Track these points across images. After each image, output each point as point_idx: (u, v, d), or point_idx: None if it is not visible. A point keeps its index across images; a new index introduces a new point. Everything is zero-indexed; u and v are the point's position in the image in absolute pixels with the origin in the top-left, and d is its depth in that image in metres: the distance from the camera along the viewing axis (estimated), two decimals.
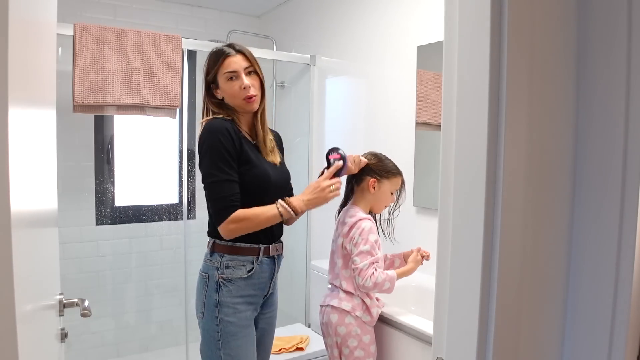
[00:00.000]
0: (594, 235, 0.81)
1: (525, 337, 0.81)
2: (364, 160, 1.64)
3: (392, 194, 1.68)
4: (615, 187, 0.77)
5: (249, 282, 1.46)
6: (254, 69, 1.50)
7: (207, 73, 1.51)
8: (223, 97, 1.51)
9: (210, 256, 1.48)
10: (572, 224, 0.84)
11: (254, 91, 1.47)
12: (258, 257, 1.47)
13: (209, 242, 1.51)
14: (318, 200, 1.51)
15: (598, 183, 0.80)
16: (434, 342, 0.88)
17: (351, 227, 1.60)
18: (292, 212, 1.45)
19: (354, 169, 1.62)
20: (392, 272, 1.59)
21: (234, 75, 1.46)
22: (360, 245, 1.57)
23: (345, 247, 1.61)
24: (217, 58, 1.48)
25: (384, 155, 1.70)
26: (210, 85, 1.51)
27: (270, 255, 1.51)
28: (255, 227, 1.43)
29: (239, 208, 1.40)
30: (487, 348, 0.76)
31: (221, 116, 1.48)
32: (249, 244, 1.46)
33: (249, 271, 1.46)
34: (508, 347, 0.79)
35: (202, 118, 1.52)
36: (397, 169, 1.69)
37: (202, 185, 1.43)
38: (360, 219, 1.60)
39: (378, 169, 1.65)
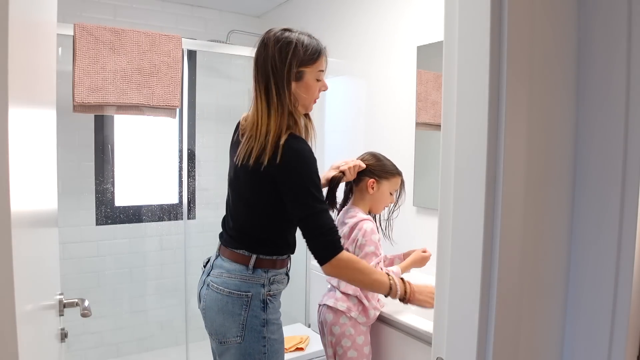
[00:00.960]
0: (594, 235, 0.81)
1: (525, 337, 0.81)
2: (362, 165, 1.64)
3: (391, 194, 1.68)
4: (615, 187, 0.77)
5: (281, 294, 1.43)
6: None
7: (299, 63, 1.31)
8: (288, 94, 1.32)
9: (253, 273, 1.34)
10: (572, 224, 0.84)
11: None
12: (289, 268, 1.44)
13: (244, 257, 1.35)
14: (425, 304, 1.43)
15: (598, 183, 0.80)
16: (434, 342, 0.88)
17: (352, 229, 1.60)
18: (399, 295, 1.39)
19: (351, 177, 1.64)
20: (396, 268, 1.60)
21: (321, 77, 1.38)
22: (365, 247, 1.56)
23: (347, 248, 1.60)
24: (318, 52, 1.34)
25: (383, 155, 1.69)
26: (289, 76, 1.31)
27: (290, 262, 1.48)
28: (360, 283, 1.38)
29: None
30: (487, 348, 0.76)
31: (295, 133, 1.32)
32: (285, 256, 1.41)
33: (287, 283, 1.43)
34: (508, 347, 0.79)
35: (260, 105, 1.32)
36: (396, 168, 1.68)
37: (299, 215, 1.29)
38: (361, 220, 1.60)
39: (377, 169, 1.65)
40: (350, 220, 1.62)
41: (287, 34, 1.32)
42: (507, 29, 0.73)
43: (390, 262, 1.79)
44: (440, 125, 0.85)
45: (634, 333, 0.77)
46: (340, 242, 1.30)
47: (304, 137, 1.38)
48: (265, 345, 1.32)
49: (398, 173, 1.67)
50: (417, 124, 2.03)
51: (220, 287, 1.33)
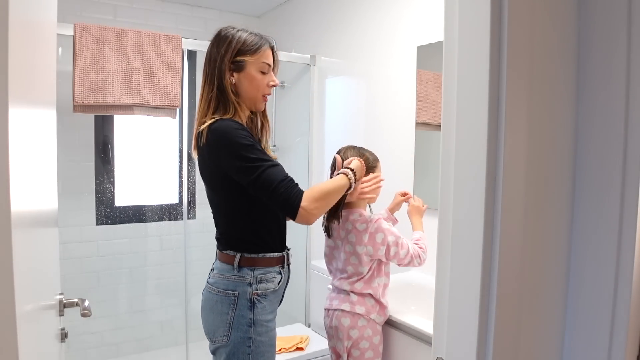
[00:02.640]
0: (594, 235, 0.81)
1: (525, 336, 0.81)
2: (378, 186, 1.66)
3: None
4: (615, 187, 0.77)
5: (276, 295, 1.39)
6: (273, 69, 1.44)
7: (238, 52, 1.34)
8: (233, 84, 1.35)
9: (238, 271, 1.33)
10: (572, 224, 0.84)
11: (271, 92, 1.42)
12: (283, 266, 1.41)
13: (229, 257, 1.36)
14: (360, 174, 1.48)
15: (598, 183, 0.80)
16: (434, 342, 0.88)
17: (372, 233, 1.59)
18: (353, 180, 1.41)
19: (376, 198, 1.68)
20: (418, 234, 1.70)
21: (266, 69, 1.38)
22: (398, 241, 1.60)
23: (371, 255, 1.60)
24: (259, 43, 1.36)
25: (359, 147, 1.71)
26: (231, 65, 1.35)
27: (289, 262, 1.45)
28: (333, 201, 1.37)
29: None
30: (487, 348, 0.76)
31: (225, 117, 1.33)
32: (276, 254, 1.38)
33: (279, 282, 1.38)
34: (508, 347, 0.79)
35: (202, 97, 1.36)
36: (374, 154, 1.72)
37: (247, 183, 1.27)
38: (375, 220, 1.60)
39: (367, 164, 1.66)
40: (362, 226, 1.60)
41: (228, 29, 1.38)
42: (507, 29, 0.73)
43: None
44: (440, 125, 0.85)
45: (634, 333, 0.77)
46: (297, 188, 1.28)
47: (257, 135, 1.45)
48: (250, 346, 1.31)
49: (377, 158, 1.71)
50: (417, 124, 2.03)
51: (212, 287, 1.37)
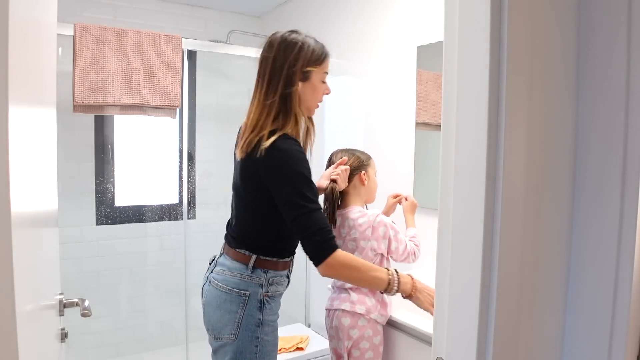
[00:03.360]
0: (594, 235, 0.81)
1: (525, 337, 0.81)
2: (348, 169, 1.65)
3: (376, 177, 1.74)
4: (615, 187, 0.77)
5: (282, 297, 1.43)
6: None
7: (308, 62, 1.33)
8: (293, 94, 1.32)
9: (252, 272, 1.34)
10: (572, 224, 0.84)
11: None
12: (290, 270, 1.44)
13: (244, 256, 1.35)
14: (423, 304, 1.37)
15: (598, 183, 0.80)
16: (434, 342, 0.88)
17: (374, 227, 1.61)
18: (395, 290, 1.33)
19: (343, 185, 1.65)
20: (412, 231, 1.71)
21: (325, 79, 1.40)
22: (397, 235, 1.62)
23: (375, 249, 1.61)
24: (325, 54, 1.37)
25: (350, 148, 1.74)
26: (295, 76, 1.32)
27: (292, 267, 1.47)
28: (355, 280, 1.35)
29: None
30: (487, 348, 0.76)
31: (287, 133, 1.30)
32: (287, 258, 1.40)
33: (286, 285, 1.43)
34: (508, 347, 0.79)
35: (259, 101, 1.32)
36: (366, 153, 1.74)
37: (290, 216, 1.26)
38: (376, 215, 1.62)
39: (359, 163, 1.69)
40: (364, 220, 1.61)
41: (294, 35, 1.34)
42: (507, 29, 0.73)
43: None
44: (440, 125, 0.85)
45: (634, 333, 0.77)
46: (333, 241, 1.27)
47: (303, 140, 1.39)
48: (258, 346, 1.33)
49: (369, 156, 1.73)
50: (417, 124, 2.03)
51: (221, 284, 1.35)
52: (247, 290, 1.33)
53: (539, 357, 0.83)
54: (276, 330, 1.40)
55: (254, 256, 1.34)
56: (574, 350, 0.84)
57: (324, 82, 1.40)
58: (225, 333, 1.33)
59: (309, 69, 1.34)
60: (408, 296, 1.36)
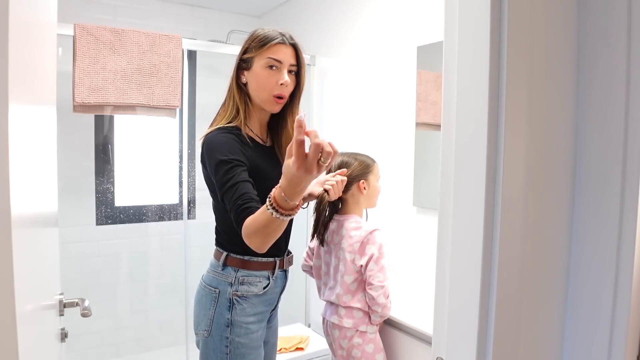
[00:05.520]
0: (594, 235, 0.81)
1: (525, 337, 0.81)
2: (345, 180, 1.47)
3: (378, 183, 1.68)
4: (615, 187, 0.77)
5: (262, 299, 1.35)
6: (298, 70, 1.34)
7: (245, 50, 1.31)
8: (246, 83, 1.32)
9: (222, 270, 1.33)
10: (572, 224, 0.84)
11: (286, 92, 1.31)
12: (274, 272, 1.36)
13: (218, 253, 1.36)
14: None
15: (598, 182, 0.80)
16: (434, 342, 0.88)
17: (364, 243, 1.55)
18: (284, 214, 1.05)
19: (335, 196, 1.44)
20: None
21: (275, 65, 1.28)
22: (380, 260, 1.53)
23: (356, 263, 1.55)
24: (265, 39, 1.28)
25: (352, 152, 1.66)
26: (241, 63, 1.32)
27: (284, 268, 1.41)
28: (263, 236, 1.09)
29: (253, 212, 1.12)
30: (487, 348, 0.76)
31: (227, 125, 1.29)
32: (265, 258, 1.33)
33: (264, 287, 1.35)
34: (508, 347, 0.79)
35: (225, 103, 1.35)
36: (371, 157, 1.66)
37: (221, 199, 1.25)
38: (372, 232, 1.57)
39: (360, 171, 1.61)
40: (356, 233, 1.57)
41: (259, 29, 1.35)
42: (507, 29, 0.73)
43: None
44: (440, 125, 0.85)
45: (634, 333, 0.77)
46: (244, 214, 1.12)
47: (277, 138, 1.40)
48: (228, 346, 1.30)
49: (374, 161, 1.66)
50: (417, 124, 2.03)
51: (202, 281, 1.39)
52: (217, 288, 1.33)
53: (539, 357, 0.83)
54: (254, 333, 1.33)
55: (225, 253, 1.34)
56: (574, 350, 0.84)
57: (272, 69, 1.28)
58: (200, 329, 1.35)
59: (247, 55, 1.31)
60: (297, 204, 1.06)
